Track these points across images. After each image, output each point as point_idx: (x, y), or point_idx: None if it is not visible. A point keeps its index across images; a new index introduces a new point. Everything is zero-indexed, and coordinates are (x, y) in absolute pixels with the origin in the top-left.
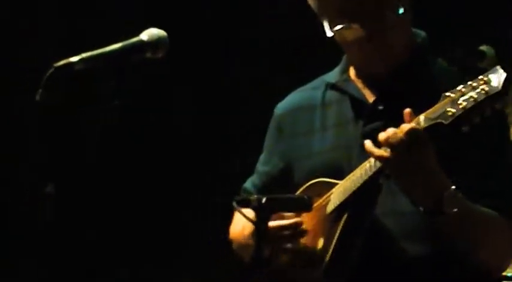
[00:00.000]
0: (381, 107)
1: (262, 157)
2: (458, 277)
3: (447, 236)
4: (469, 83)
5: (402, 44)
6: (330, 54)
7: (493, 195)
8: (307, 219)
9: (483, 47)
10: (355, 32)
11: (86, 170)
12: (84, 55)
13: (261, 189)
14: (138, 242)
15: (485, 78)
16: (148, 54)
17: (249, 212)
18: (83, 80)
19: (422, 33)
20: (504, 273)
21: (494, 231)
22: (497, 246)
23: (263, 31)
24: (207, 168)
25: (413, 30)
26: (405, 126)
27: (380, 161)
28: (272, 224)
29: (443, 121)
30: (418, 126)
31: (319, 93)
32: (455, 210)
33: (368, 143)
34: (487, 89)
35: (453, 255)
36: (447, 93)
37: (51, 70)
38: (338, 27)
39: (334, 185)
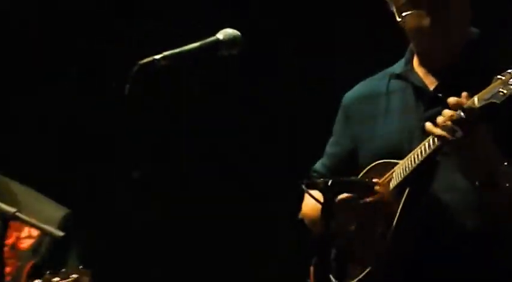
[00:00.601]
0: (440, 94)
1: (331, 141)
2: (500, 247)
3: (498, 210)
4: None
5: (461, 36)
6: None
7: None
8: (379, 189)
9: None
10: (420, 18)
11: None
12: (166, 53)
13: (330, 170)
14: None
15: None
16: (224, 52)
17: (317, 193)
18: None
19: (477, 30)
20: None
21: None
22: None
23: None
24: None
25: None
26: (463, 106)
27: (440, 139)
28: (342, 197)
29: (496, 101)
30: (473, 105)
31: (383, 83)
32: (508, 184)
33: (429, 124)
34: None
35: (497, 228)
36: (498, 76)
37: (136, 67)
38: (405, 13)
39: (395, 164)
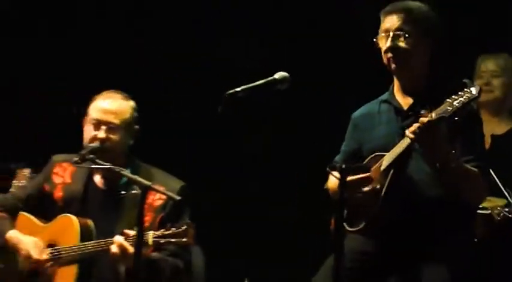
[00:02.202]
0: (411, 113)
1: (344, 143)
2: (454, 209)
3: (449, 183)
4: (460, 93)
5: (423, 74)
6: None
7: (473, 160)
8: (371, 174)
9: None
10: (402, 44)
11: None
12: (243, 87)
13: (344, 160)
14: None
15: (468, 90)
16: (279, 87)
17: (336, 174)
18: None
19: (432, 72)
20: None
21: (473, 178)
22: (476, 188)
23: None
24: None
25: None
26: (425, 119)
27: (411, 139)
28: (351, 178)
29: (445, 115)
30: (431, 118)
31: (376, 106)
32: (454, 165)
33: (407, 131)
34: (469, 95)
35: (452, 196)
36: (448, 99)
37: (226, 95)
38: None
39: (383, 156)
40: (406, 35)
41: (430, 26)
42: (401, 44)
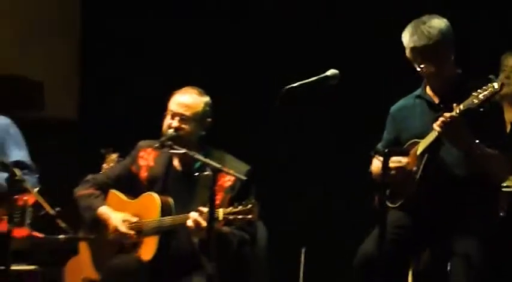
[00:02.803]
0: (441, 105)
1: (384, 133)
2: (480, 187)
3: (474, 165)
4: (484, 87)
5: (451, 74)
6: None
7: (496, 144)
8: (409, 158)
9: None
10: (428, 68)
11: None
12: (299, 82)
13: (385, 147)
14: None
15: (491, 84)
16: (330, 82)
17: (380, 157)
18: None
19: (459, 69)
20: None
21: (496, 160)
22: (499, 169)
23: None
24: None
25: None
26: (448, 114)
27: (438, 131)
28: (393, 163)
29: (471, 107)
30: (459, 110)
31: (411, 100)
32: (478, 152)
33: (435, 123)
34: (492, 89)
35: (477, 176)
36: (474, 93)
37: (283, 90)
38: (421, 66)
39: (419, 142)
40: (432, 58)
41: (449, 40)
42: (429, 65)
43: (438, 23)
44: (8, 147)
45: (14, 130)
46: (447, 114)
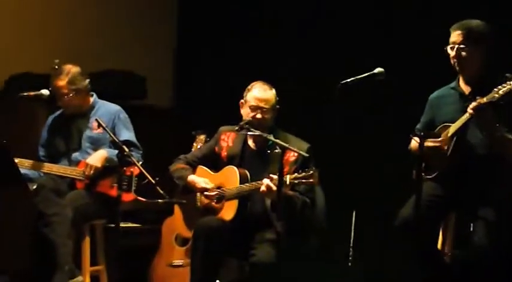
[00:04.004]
0: (470, 96)
1: (423, 116)
2: (500, 165)
3: (496, 146)
4: (503, 84)
5: (481, 67)
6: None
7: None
8: (442, 138)
9: (508, 74)
10: (464, 51)
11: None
12: (352, 78)
13: (422, 129)
14: None
15: (509, 82)
16: (378, 78)
17: (417, 138)
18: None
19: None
20: None
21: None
22: None
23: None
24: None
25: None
26: (479, 101)
27: (470, 115)
28: (428, 143)
29: (492, 100)
30: (483, 101)
31: (447, 91)
32: (499, 134)
33: (468, 108)
34: (510, 86)
35: (498, 155)
36: (495, 89)
37: (339, 85)
38: (454, 51)
39: (450, 126)
40: (466, 48)
41: (483, 38)
42: (462, 54)
43: (483, 23)
44: (118, 129)
45: (123, 115)
46: (480, 100)
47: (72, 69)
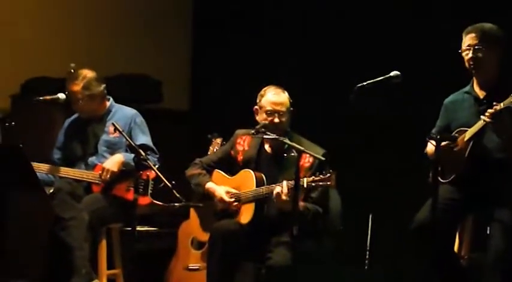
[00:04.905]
0: (485, 100)
1: (438, 121)
2: None
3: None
4: None
5: (495, 71)
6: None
7: None
8: (458, 143)
9: None
10: (479, 54)
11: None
12: (368, 82)
13: (438, 133)
14: None
15: None
16: (394, 81)
17: (433, 142)
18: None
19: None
20: None
21: None
22: None
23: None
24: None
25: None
26: (495, 108)
27: (486, 121)
28: (443, 144)
29: (510, 105)
30: (499, 107)
31: (461, 95)
32: None
33: (483, 116)
34: None
35: None
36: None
37: (356, 88)
38: (470, 54)
39: (466, 130)
40: (482, 49)
41: (498, 40)
42: (479, 55)
43: (497, 27)
44: (134, 133)
45: (140, 119)
46: (496, 107)
47: (87, 74)
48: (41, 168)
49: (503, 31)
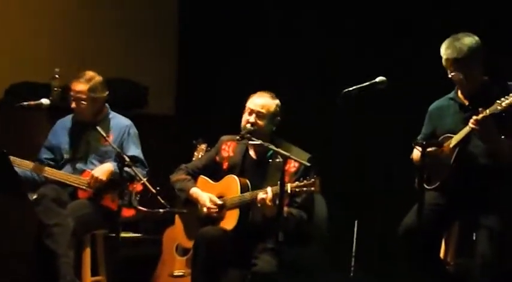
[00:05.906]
0: (470, 107)
1: (423, 128)
2: (502, 173)
3: (498, 156)
4: (506, 96)
5: (478, 82)
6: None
7: None
8: (444, 149)
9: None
10: (457, 76)
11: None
12: (354, 87)
13: (423, 139)
14: None
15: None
16: (379, 87)
17: (419, 148)
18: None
19: (486, 77)
20: None
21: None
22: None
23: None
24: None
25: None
26: (480, 115)
27: (471, 127)
28: (429, 149)
29: (495, 112)
30: (486, 113)
31: (446, 102)
32: (502, 145)
33: (469, 122)
34: None
35: (499, 164)
36: (498, 101)
37: (342, 93)
38: (451, 74)
39: (451, 137)
40: (458, 72)
41: (477, 55)
42: (458, 77)
43: (469, 41)
44: (126, 144)
45: (134, 131)
46: (480, 115)
47: (96, 77)
48: (24, 165)
49: (477, 40)
